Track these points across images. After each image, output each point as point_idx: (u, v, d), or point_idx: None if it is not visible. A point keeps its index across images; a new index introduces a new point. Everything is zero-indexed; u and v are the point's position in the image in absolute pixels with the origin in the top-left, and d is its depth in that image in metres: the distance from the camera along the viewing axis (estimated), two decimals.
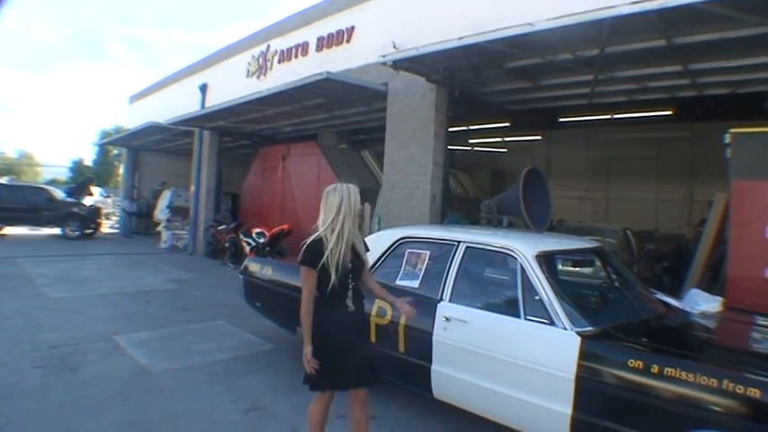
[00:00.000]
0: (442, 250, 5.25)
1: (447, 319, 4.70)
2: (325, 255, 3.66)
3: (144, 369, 6.39)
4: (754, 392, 3.10)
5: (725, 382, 3.20)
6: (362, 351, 3.90)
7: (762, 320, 4.85)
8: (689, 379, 3.31)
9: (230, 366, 6.60)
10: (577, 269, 5.87)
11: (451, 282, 4.93)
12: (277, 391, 5.81)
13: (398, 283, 5.34)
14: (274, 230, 14.57)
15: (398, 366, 5.13)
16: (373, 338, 5.19)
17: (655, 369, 3.45)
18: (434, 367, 4.75)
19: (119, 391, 5.63)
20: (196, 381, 6.06)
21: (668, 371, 3.40)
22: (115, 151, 55.85)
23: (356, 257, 3.90)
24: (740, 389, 3.15)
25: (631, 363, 3.56)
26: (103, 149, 60.33)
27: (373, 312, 5.27)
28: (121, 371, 6.28)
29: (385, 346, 5.14)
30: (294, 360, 6.37)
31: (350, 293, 3.84)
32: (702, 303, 5.06)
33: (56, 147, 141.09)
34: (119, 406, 5.25)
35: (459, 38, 7.48)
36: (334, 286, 3.69)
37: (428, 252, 5.33)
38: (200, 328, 8.36)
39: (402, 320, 4.98)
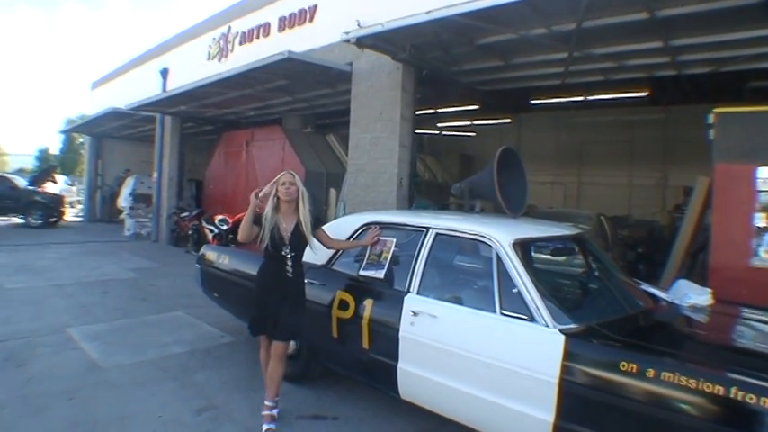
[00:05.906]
0: (410, 237, 4.97)
1: (415, 314, 4.37)
2: (262, 219, 4.68)
3: (95, 364, 6.13)
4: None
5: (733, 389, 2.83)
6: (282, 310, 4.62)
7: (757, 314, 4.51)
8: (690, 385, 2.94)
9: (185, 361, 6.34)
10: (556, 258, 5.53)
11: (420, 272, 4.60)
12: (234, 389, 5.57)
13: (362, 272, 5.06)
14: (237, 217, 14.15)
15: (362, 364, 4.85)
16: (336, 333, 5.05)
17: (650, 373, 3.08)
18: (401, 366, 4.42)
19: (65, 389, 5.39)
20: (148, 377, 5.82)
21: (666, 375, 3.03)
22: (81, 139, 55.56)
23: (296, 231, 4.69)
24: (752, 398, 2.78)
25: (623, 365, 3.19)
26: (69, 138, 60.13)
27: (335, 305, 5.02)
28: (71, 366, 6.03)
29: (348, 342, 4.92)
30: (252, 353, 6.13)
31: (289, 263, 4.66)
32: (692, 296, 4.71)
33: (23, 136, 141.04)
34: (63, 406, 5.01)
35: (428, 12, 7.16)
36: (267, 247, 4.63)
37: (395, 239, 5.02)
38: (158, 320, 8.13)
39: (366, 314, 4.72)
